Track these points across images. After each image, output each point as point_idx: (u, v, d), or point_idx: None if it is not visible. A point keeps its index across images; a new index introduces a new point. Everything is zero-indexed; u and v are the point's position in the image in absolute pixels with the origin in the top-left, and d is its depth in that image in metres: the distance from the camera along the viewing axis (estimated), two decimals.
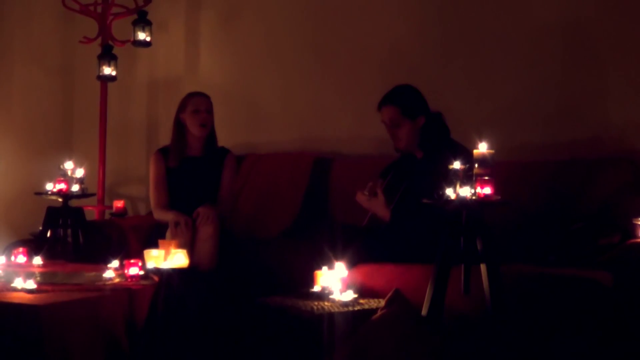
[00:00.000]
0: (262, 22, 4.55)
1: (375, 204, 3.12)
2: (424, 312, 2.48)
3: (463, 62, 3.86)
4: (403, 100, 3.18)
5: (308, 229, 3.65)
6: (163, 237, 3.32)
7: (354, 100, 4.15)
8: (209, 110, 3.62)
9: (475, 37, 3.83)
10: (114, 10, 4.72)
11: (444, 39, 3.93)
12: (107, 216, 4.59)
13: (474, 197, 2.41)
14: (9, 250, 3.63)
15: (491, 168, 2.43)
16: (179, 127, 3.63)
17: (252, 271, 3.28)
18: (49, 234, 3.92)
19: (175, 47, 4.87)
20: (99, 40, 4.71)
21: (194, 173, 3.61)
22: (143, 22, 4.56)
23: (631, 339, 2.49)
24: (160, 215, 3.55)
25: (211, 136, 3.66)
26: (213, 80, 4.58)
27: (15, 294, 2.62)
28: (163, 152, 3.68)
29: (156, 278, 2.87)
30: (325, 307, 2.56)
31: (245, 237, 3.75)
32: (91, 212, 4.59)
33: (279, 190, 4.05)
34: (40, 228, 3.97)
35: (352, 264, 2.87)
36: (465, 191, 2.42)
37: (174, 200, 3.59)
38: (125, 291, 2.75)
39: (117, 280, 2.90)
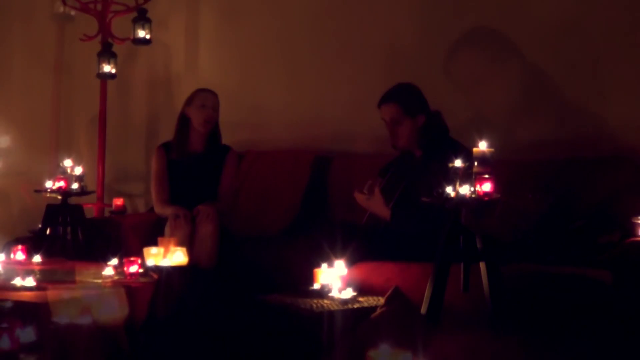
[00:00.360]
0: (262, 19, 4.54)
1: (373, 203, 3.11)
2: (423, 310, 2.48)
3: (464, 61, 3.86)
4: (404, 99, 3.18)
5: (308, 226, 3.64)
6: (162, 234, 3.32)
7: (354, 98, 4.14)
8: (215, 108, 3.63)
9: (476, 37, 3.83)
10: (114, 7, 4.71)
11: (445, 38, 3.92)
12: (106, 214, 4.58)
13: (473, 196, 2.41)
14: (8, 247, 3.62)
15: (491, 166, 2.43)
16: (183, 121, 3.64)
17: (252, 269, 3.28)
18: (48, 232, 3.92)
19: (175, 44, 4.86)
20: (99, 38, 4.70)
21: (195, 168, 3.62)
22: (143, 19, 4.55)
23: (631, 338, 2.49)
24: (161, 209, 3.56)
25: (214, 133, 3.66)
26: (213, 78, 4.57)
27: (14, 292, 2.62)
28: (165, 147, 3.68)
29: (155, 276, 2.87)
30: (325, 305, 2.56)
31: (244, 235, 3.74)
32: (90, 209, 4.58)
33: (278, 188, 4.05)
34: (40, 225, 3.97)
35: (352, 261, 2.86)
36: (465, 189, 2.42)
37: (174, 194, 3.59)
38: (125, 289, 2.75)
39: (116, 278, 2.89)
